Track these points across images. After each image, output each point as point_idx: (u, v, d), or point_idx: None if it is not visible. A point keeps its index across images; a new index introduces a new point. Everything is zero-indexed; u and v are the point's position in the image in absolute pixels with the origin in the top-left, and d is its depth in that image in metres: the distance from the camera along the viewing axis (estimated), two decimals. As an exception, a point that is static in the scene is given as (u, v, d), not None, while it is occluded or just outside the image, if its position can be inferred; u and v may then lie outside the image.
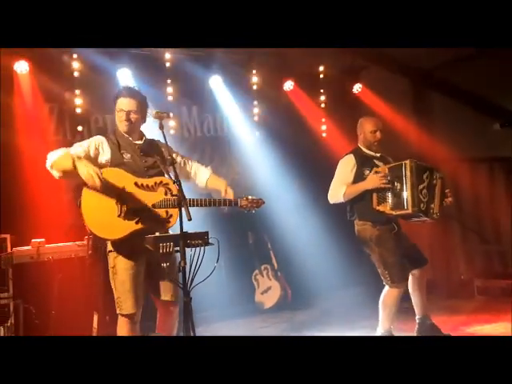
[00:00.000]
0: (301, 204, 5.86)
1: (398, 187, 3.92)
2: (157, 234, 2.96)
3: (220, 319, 5.46)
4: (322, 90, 6.87)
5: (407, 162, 3.94)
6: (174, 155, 3.36)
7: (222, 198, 3.36)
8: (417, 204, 3.89)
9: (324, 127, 6.91)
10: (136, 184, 3.14)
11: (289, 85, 6.58)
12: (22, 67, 5.09)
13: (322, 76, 6.83)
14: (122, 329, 3.19)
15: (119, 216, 3.07)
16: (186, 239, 2.76)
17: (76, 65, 5.35)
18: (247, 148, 6.46)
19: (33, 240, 4.44)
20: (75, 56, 5.35)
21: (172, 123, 5.90)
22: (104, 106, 5.47)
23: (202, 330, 4.70)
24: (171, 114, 5.67)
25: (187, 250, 2.75)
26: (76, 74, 5.36)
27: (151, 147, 3.30)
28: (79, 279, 4.36)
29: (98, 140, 3.25)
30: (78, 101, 5.41)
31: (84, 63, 5.38)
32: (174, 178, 2.89)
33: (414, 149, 6.43)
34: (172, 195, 3.05)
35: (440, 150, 6.26)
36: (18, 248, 4.42)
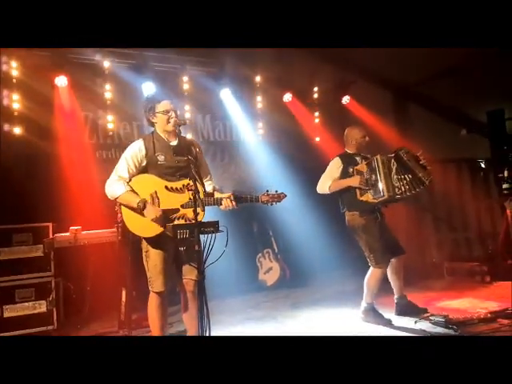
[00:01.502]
0: (298, 198, 5.83)
1: (374, 178, 4.00)
2: (176, 222, 2.95)
3: (229, 295, 5.44)
4: (316, 101, 6.85)
5: (377, 156, 4.02)
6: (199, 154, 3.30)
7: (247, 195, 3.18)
8: (391, 190, 3.96)
9: (317, 132, 6.88)
10: (166, 187, 3.10)
11: (288, 96, 6.56)
12: (61, 81, 5.10)
13: (316, 89, 6.82)
14: (152, 303, 3.20)
15: (152, 220, 3.04)
16: (200, 227, 2.75)
17: (107, 78, 5.35)
18: (252, 150, 6.46)
19: (71, 227, 4.45)
20: (107, 72, 5.34)
21: (188, 128, 5.88)
22: (130, 114, 5.49)
23: (215, 304, 4.66)
24: (187, 117, 5.81)
25: (201, 236, 2.74)
26: (107, 87, 5.36)
27: (183, 147, 3.18)
28: (110, 261, 4.35)
29: (136, 151, 3.14)
30: (109, 110, 5.40)
31: (114, 77, 5.37)
32: (193, 174, 2.86)
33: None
34: (198, 196, 2.93)
35: (416, 151, 6.22)
36: (59, 234, 4.42)
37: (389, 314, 4.23)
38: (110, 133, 5.49)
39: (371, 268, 4.12)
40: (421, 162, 4.03)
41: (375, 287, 4.10)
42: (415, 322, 3.95)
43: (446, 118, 6.78)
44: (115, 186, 3.07)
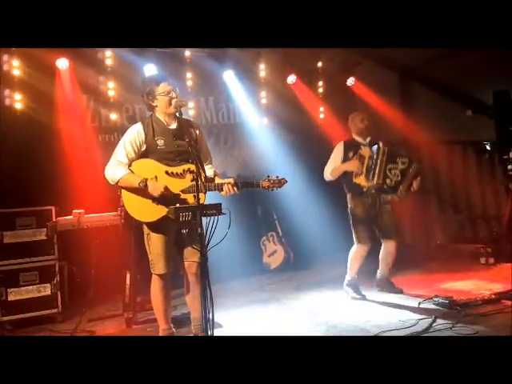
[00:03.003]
0: (302, 181, 5.82)
1: (371, 164, 4.20)
2: (177, 205, 2.91)
3: (233, 278, 5.47)
4: (320, 83, 6.76)
5: (381, 143, 4.21)
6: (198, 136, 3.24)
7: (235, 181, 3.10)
8: (382, 178, 4.19)
9: (322, 115, 6.81)
10: (167, 172, 3.06)
11: (292, 78, 6.48)
12: (62, 63, 5.06)
13: (320, 71, 6.73)
14: (155, 285, 3.20)
15: (153, 202, 3.02)
16: (202, 209, 2.73)
17: (109, 61, 5.32)
18: (256, 133, 6.40)
19: (74, 211, 4.42)
20: (109, 54, 5.30)
21: (191, 112, 5.83)
22: (133, 97, 5.43)
23: (218, 287, 4.67)
24: (190, 103, 5.75)
25: (203, 218, 2.71)
26: (109, 70, 5.32)
27: (183, 130, 3.12)
28: (114, 244, 4.32)
29: (135, 135, 3.09)
30: (111, 92, 5.37)
31: (116, 60, 5.33)
32: (194, 159, 2.82)
33: (400, 134, 6.39)
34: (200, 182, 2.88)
35: (422, 134, 6.24)
36: (62, 218, 4.42)
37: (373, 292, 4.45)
38: (112, 116, 5.46)
39: (354, 245, 4.40)
40: (417, 178, 4.27)
41: (356, 263, 4.38)
42: (419, 304, 3.96)
43: (452, 99, 6.70)
44: (115, 170, 3.04)
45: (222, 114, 6.40)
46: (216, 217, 2.72)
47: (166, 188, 2.98)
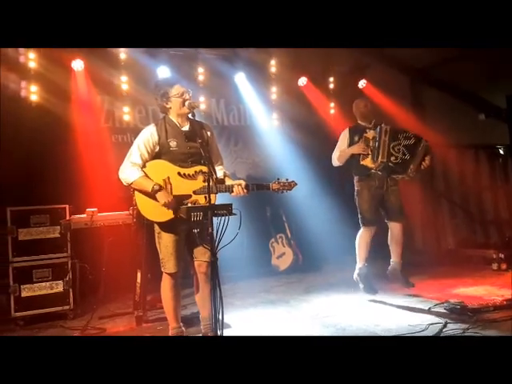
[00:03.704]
0: (312, 182, 5.84)
1: (375, 145, 4.32)
2: (189, 204, 2.98)
3: (241, 279, 5.49)
4: (331, 86, 6.78)
5: (383, 125, 4.35)
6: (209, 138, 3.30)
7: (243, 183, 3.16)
8: (386, 157, 4.27)
9: (332, 110, 6.80)
10: (179, 174, 3.10)
11: (303, 80, 6.49)
12: (78, 65, 5.14)
13: (331, 73, 6.74)
14: (165, 284, 3.25)
15: None
16: (214, 209, 2.77)
17: (123, 63, 5.38)
18: (266, 135, 6.43)
19: (87, 209, 4.48)
20: (123, 56, 5.36)
21: (203, 113, 5.88)
22: (146, 99, 5.50)
23: (227, 287, 4.73)
24: (202, 105, 5.82)
25: (214, 218, 2.76)
26: (123, 71, 5.39)
27: (195, 132, 3.17)
28: (126, 242, 4.37)
29: (148, 136, 3.15)
30: (125, 94, 5.44)
31: (129, 61, 5.39)
32: (205, 159, 2.90)
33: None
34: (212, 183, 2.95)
35: (433, 137, 6.15)
36: (75, 216, 4.48)
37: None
38: (126, 117, 5.53)
39: (360, 229, 4.47)
40: (426, 157, 4.33)
41: (363, 247, 4.44)
42: (429, 309, 3.95)
43: (464, 102, 6.68)
44: (129, 172, 3.09)
45: (233, 115, 6.44)
46: (227, 217, 2.75)
47: (172, 201, 3.03)
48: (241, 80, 6.18)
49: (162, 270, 3.23)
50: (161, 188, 3.04)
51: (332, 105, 6.81)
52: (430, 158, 4.39)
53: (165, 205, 3.02)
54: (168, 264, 3.18)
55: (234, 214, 2.82)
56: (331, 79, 6.76)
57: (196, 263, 3.25)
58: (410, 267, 4.64)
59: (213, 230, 2.71)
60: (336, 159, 4.51)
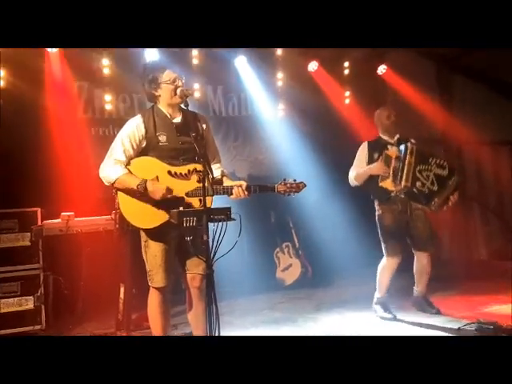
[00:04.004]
0: (324, 184, 5.84)
1: (398, 165, 4.26)
2: (181, 208, 2.95)
3: (241, 295, 5.48)
4: (346, 72, 6.78)
5: (408, 143, 4.29)
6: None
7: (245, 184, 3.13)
8: (411, 181, 4.21)
9: (347, 100, 6.82)
10: (169, 173, 3.08)
11: (313, 65, 6.49)
12: (52, 47, 5.13)
13: (346, 57, 6.73)
14: (153, 300, 3.23)
15: (153, 206, 3.05)
16: (209, 214, 2.75)
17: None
18: (271, 128, 6.43)
19: (62, 213, 4.48)
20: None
21: (197, 103, 5.87)
22: (131, 86, 5.48)
23: (225, 304, 4.70)
24: (197, 93, 5.80)
25: (210, 224, 2.73)
26: (104, 54, 5.39)
27: (188, 124, 3.14)
28: (107, 252, 4.35)
29: (134, 129, 3.13)
30: (107, 79, 5.43)
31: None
32: (199, 156, 2.88)
33: (438, 131, 6.36)
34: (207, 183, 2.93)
35: (463, 132, 6.21)
36: (48, 221, 4.46)
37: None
38: (108, 106, 5.53)
39: (383, 258, 4.48)
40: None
41: (385, 278, 4.47)
42: (458, 329, 3.97)
43: (498, 93, 6.65)
44: (111, 170, 3.07)
45: (232, 105, 6.44)
46: (224, 223, 2.73)
47: (168, 190, 3.00)
48: (242, 64, 6.17)
49: (150, 284, 3.20)
50: (146, 183, 2.99)
51: (347, 93, 6.80)
52: (458, 195, 4.38)
53: (162, 198, 2.98)
54: (156, 277, 3.16)
55: (233, 220, 2.80)
56: (346, 64, 6.75)
57: (189, 276, 3.23)
58: (435, 281, 4.63)
59: (208, 237, 2.69)
60: (353, 179, 4.49)
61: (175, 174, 3.10)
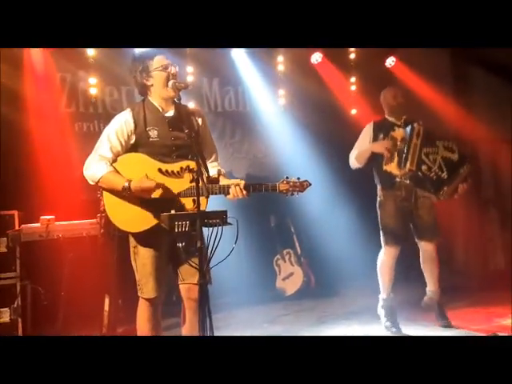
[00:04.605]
0: (328, 185, 5.82)
1: (404, 147, 4.28)
2: (172, 211, 2.89)
3: (238, 306, 5.47)
4: (352, 63, 6.77)
5: (415, 124, 4.31)
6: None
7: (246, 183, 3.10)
8: (415, 164, 4.24)
9: (353, 103, 6.82)
10: (160, 170, 3.05)
11: (317, 57, 6.50)
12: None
13: (352, 48, 6.69)
14: (142, 313, 3.18)
15: (142, 207, 3.01)
16: (203, 218, 2.71)
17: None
18: (271, 124, 6.43)
19: (42, 217, 4.47)
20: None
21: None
22: (119, 76, 5.47)
23: (220, 317, 4.72)
24: (191, 87, 5.74)
25: (204, 229, 2.71)
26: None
27: (182, 119, 3.11)
28: (91, 259, 4.34)
29: (122, 124, 3.09)
30: (92, 70, 5.39)
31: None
32: (194, 154, 2.84)
33: (452, 127, 6.33)
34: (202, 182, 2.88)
35: (479, 129, 6.20)
36: (27, 225, 4.47)
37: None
38: (93, 99, 5.50)
39: (381, 250, 4.51)
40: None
41: (386, 272, 4.46)
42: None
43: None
44: (95, 167, 3.04)
45: (229, 99, 6.45)
46: (220, 227, 2.70)
47: (157, 185, 2.95)
48: (239, 55, 6.17)
49: (139, 294, 3.16)
50: (130, 183, 2.94)
51: (353, 79, 6.78)
52: (468, 184, 4.38)
53: (149, 195, 2.94)
54: (146, 287, 3.11)
55: (230, 224, 2.77)
56: (352, 56, 6.73)
57: (183, 287, 3.17)
58: (448, 291, 4.64)
59: (202, 243, 2.66)
60: (354, 159, 4.51)
61: (166, 171, 3.06)
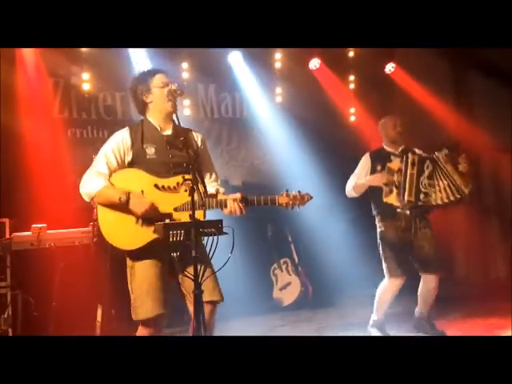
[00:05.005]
0: (326, 194, 5.81)
1: (401, 179, 4.34)
2: (167, 220, 2.90)
3: (234, 316, 5.41)
4: (351, 69, 6.83)
5: (409, 154, 4.36)
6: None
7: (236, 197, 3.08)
8: (414, 195, 4.30)
9: (353, 110, 6.87)
10: (156, 186, 3.03)
11: (315, 63, 6.52)
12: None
13: (351, 53, 6.75)
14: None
15: (137, 223, 2.99)
16: (198, 227, 2.70)
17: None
18: (268, 131, 6.43)
19: (33, 225, 4.47)
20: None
21: (187, 102, 5.85)
22: (114, 82, 5.51)
23: (217, 329, 4.59)
24: (186, 101, 5.77)
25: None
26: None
27: (180, 138, 3.06)
28: (83, 269, 4.34)
29: (119, 141, 3.09)
30: (86, 75, 5.40)
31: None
32: (193, 172, 2.81)
33: (454, 137, 6.35)
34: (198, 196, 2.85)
35: (480, 137, 6.21)
36: (18, 233, 4.46)
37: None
38: (86, 106, 5.54)
39: (385, 279, 4.51)
40: (460, 169, 4.33)
41: (385, 300, 4.49)
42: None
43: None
44: (92, 183, 3.02)
45: (226, 106, 6.46)
46: (216, 237, 2.69)
47: (152, 206, 2.94)
48: (236, 60, 6.17)
49: (133, 316, 3.06)
50: (129, 195, 2.94)
51: (352, 78, 6.80)
52: (465, 163, 4.33)
53: (144, 214, 2.92)
54: (141, 308, 3.01)
55: (225, 234, 2.76)
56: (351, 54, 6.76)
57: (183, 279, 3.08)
58: (448, 301, 4.58)
59: (197, 253, 2.63)
60: (351, 189, 4.52)
61: (163, 187, 3.05)
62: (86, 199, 3.05)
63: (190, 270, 2.68)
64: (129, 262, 3.10)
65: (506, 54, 6.01)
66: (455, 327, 4.61)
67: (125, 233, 3.00)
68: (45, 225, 4.48)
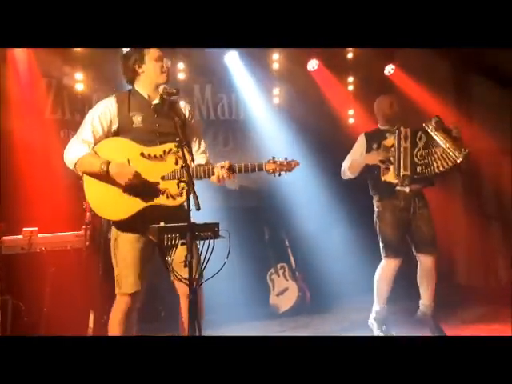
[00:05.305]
0: (326, 195, 5.81)
1: (396, 155, 4.38)
2: (161, 224, 2.86)
3: (230, 322, 5.40)
4: (350, 71, 6.84)
5: (401, 128, 4.40)
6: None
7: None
8: (409, 168, 4.33)
9: (351, 112, 6.88)
10: (142, 154, 3.06)
11: (313, 64, 6.52)
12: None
13: (350, 54, 6.76)
14: (117, 312, 3.11)
15: (124, 193, 3.01)
16: (194, 231, 2.70)
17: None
18: (266, 134, 6.41)
19: (24, 229, 4.47)
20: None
21: (182, 103, 5.80)
22: (107, 83, 5.41)
23: (210, 334, 4.62)
24: (181, 103, 5.73)
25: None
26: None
27: (169, 107, 3.15)
28: (75, 273, 4.35)
29: (104, 108, 3.13)
30: (79, 76, 5.41)
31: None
32: (182, 163, 2.83)
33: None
34: (182, 166, 2.92)
35: (481, 139, 6.17)
36: (8, 237, 4.45)
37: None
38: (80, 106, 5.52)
39: (382, 261, 4.53)
40: (453, 134, 4.35)
41: (384, 284, 4.49)
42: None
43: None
44: (75, 150, 3.06)
45: (222, 107, 6.47)
46: (212, 240, 2.69)
47: (136, 174, 2.95)
48: (233, 60, 6.16)
49: (116, 291, 3.10)
50: (109, 164, 2.95)
51: (350, 79, 6.80)
52: (457, 129, 4.37)
53: (128, 183, 2.94)
54: (125, 280, 3.06)
55: (222, 237, 2.77)
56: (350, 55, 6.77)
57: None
58: (450, 307, 4.54)
59: (192, 257, 2.64)
60: (347, 169, 4.56)
61: (149, 155, 3.07)
62: (70, 166, 3.09)
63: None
64: (113, 234, 3.12)
65: (506, 54, 6.03)
66: (457, 333, 4.60)
67: (111, 203, 3.03)
68: (36, 228, 4.48)
